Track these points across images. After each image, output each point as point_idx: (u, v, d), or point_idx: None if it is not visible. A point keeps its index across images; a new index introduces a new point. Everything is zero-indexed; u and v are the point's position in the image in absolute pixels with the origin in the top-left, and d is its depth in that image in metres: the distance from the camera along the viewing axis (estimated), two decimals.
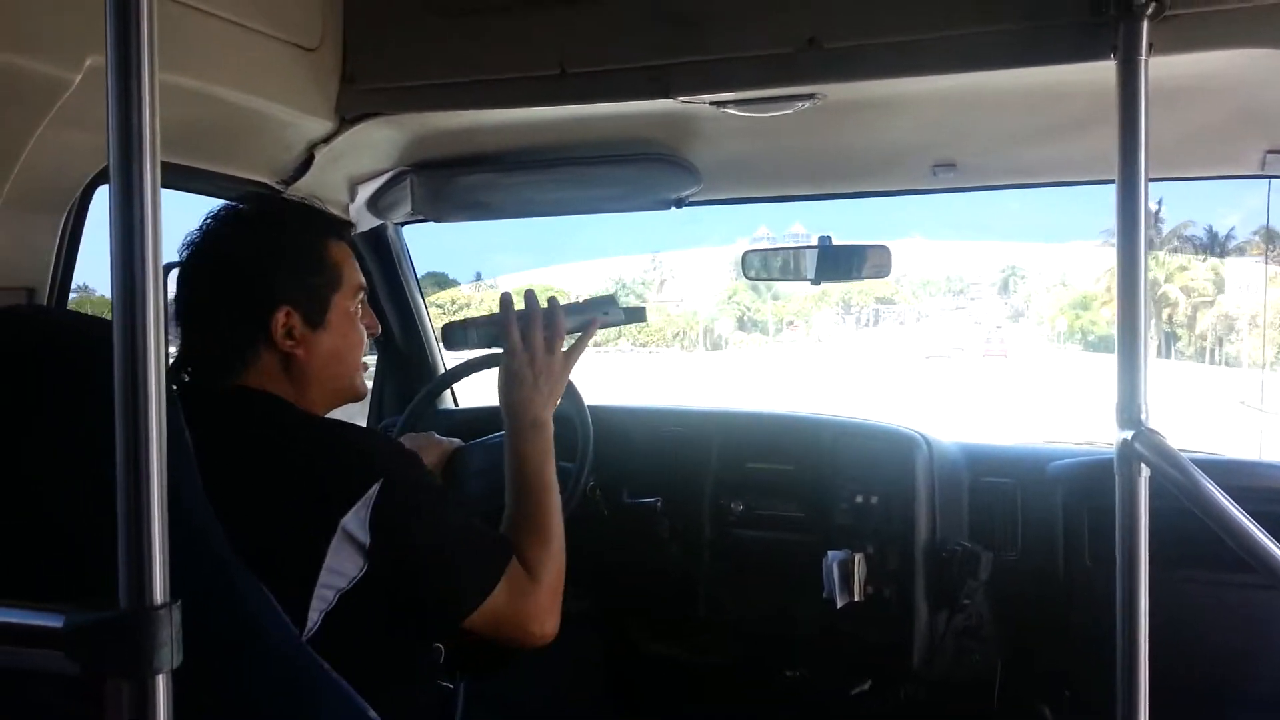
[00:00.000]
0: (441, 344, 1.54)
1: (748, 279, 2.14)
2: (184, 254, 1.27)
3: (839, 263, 2.06)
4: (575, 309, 1.48)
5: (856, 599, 1.91)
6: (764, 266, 2.15)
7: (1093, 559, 1.91)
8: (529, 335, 1.40)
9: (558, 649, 1.70)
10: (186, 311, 1.25)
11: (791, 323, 52.82)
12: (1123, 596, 1.04)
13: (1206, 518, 0.97)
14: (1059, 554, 1.94)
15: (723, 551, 2.11)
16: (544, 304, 1.44)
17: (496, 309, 1.46)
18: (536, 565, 1.29)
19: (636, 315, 1.57)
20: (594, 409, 1.86)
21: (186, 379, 1.26)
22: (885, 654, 1.95)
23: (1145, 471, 1.03)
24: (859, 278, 2.12)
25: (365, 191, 2.06)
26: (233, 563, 0.99)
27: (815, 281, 2.07)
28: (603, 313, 1.49)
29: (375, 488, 1.13)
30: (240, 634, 1.00)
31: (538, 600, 1.28)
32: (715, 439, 2.18)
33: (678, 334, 46.45)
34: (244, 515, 1.11)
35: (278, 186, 1.85)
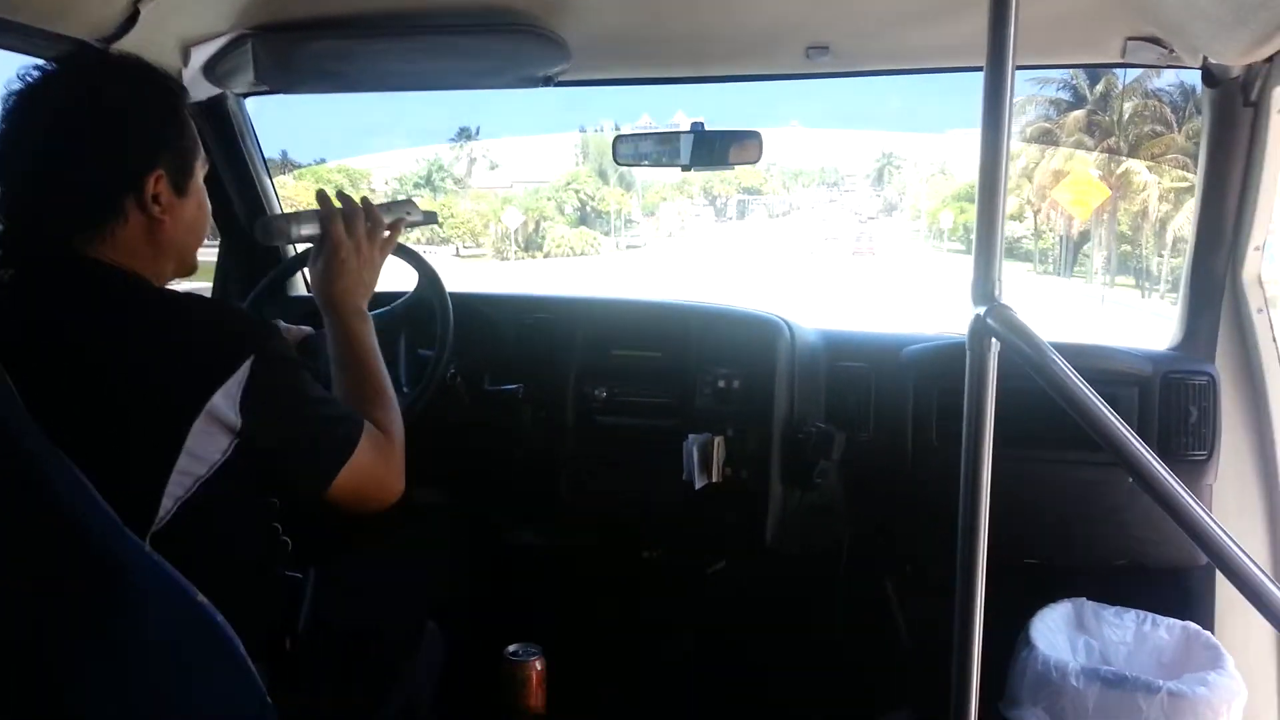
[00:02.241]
0: (260, 237, 1.56)
1: (618, 164, 2.20)
2: (13, 104, 1.20)
3: (712, 148, 2.14)
4: (384, 208, 1.60)
5: (715, 480, 2.05)
6: (635, 151, 2.21)
7: (939, 438, 2.09)
8: (353, 228, 1.51)
9: (415, 536, 1.79)
10: (32, 169, 1.19)
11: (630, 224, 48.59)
12: (966, 471, 1.10)
13: (1051, 390, 1.02)
14: (907, 434, 2.11)
15: (585, 438, 2.20)
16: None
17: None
18: (387, 424, 1.39)
19: (431, 218, 1.76)
20: (455, 296, 1.89)
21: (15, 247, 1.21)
22: (740, 533, 2.09)
23: (996, 346, 1.10)
24: (731, 164, 2.20)
25: (200, 55, 1.96)
26: (44, 454, 1.01)
27: (688, 167, 2.14)
28: (405, 213, 1.63)
29: (246, 365, 1.14)
30: (50, 527, 1.02)
31: (395, 456, 1.38)
32: (580, 326, 2.25)
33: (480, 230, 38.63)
34: (87, 401, 1.12)
35: (97, 45, 1.76)
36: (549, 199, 41.91)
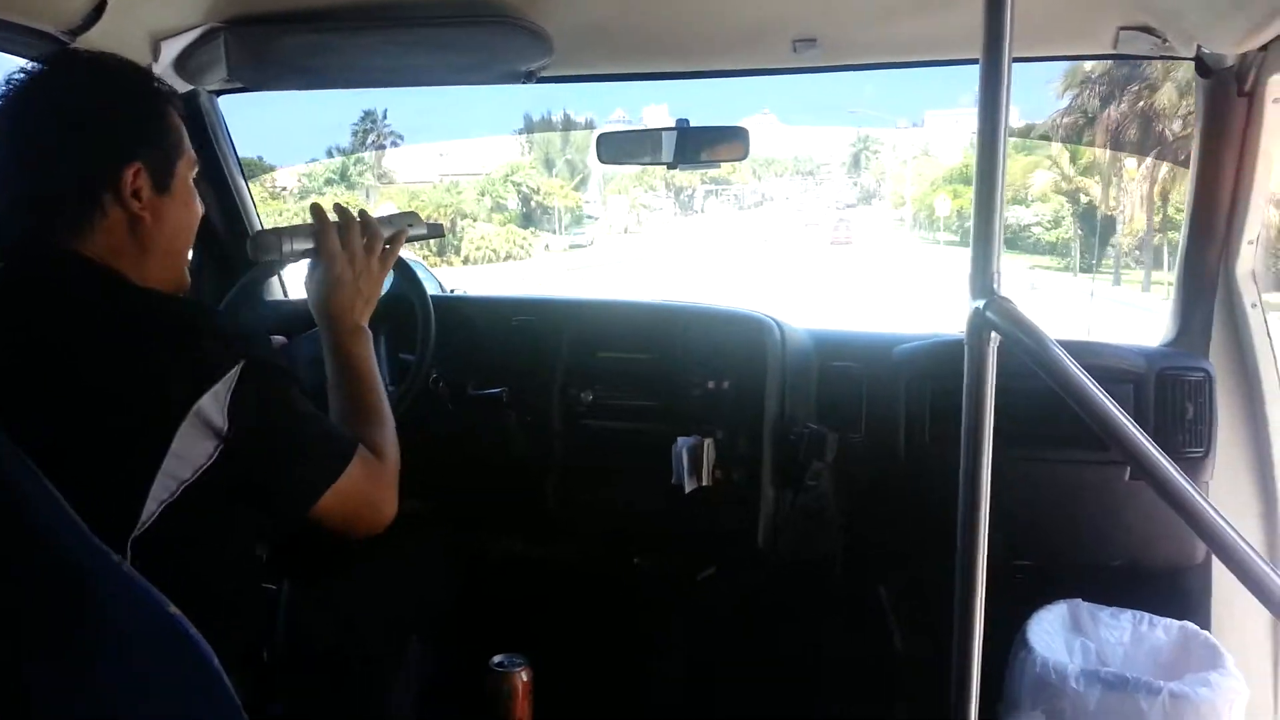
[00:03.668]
0: (251, 253, 1.57)
1: (602, 162, 2.22)
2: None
3: (697, 145, 2.17)
4: (383, 221, 1.63)
5: (705, 483, 2.06)
6: (619, 150, 2.24)
7: (932, 437, 2.11)
8: (348, 240, 1.51)
9: (395, 550, 1.77)
10: (10, 164, 1.22)
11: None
12: (965, 471, 1.10)
13: (1055, 384, 1.02)
14: (900, 434, 2.14)
15: (571, 443, 2.21)
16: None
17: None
18: (382, 446, 1.40)
19: (437, 230, 1.77)
20: (437, 299, 1.90)
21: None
22: (731, 538, 2.11)
23: (995, 340, 1.10)
24: (716, 161, 2.25)
25: (171, 50, 1.95)
26: (9, 457, 1.01)
27: (673, 165, 2.17)
28: (407, 224, 1.66)
29: (236, 369, 1.16)
30: (13, 533, 1.02)
31: (387, 478, 1.38)
32: (565, 328, 2.26)
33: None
34: (65, 400, 1.12)
35: (63, 37, 1.75)
36: (484, 193, 39.38)
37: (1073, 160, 30.49)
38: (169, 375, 1.14)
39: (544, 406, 2.21)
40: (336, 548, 1.41)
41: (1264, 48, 1.79)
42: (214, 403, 1.14)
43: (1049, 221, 30.84)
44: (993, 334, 1.11)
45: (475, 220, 37.44)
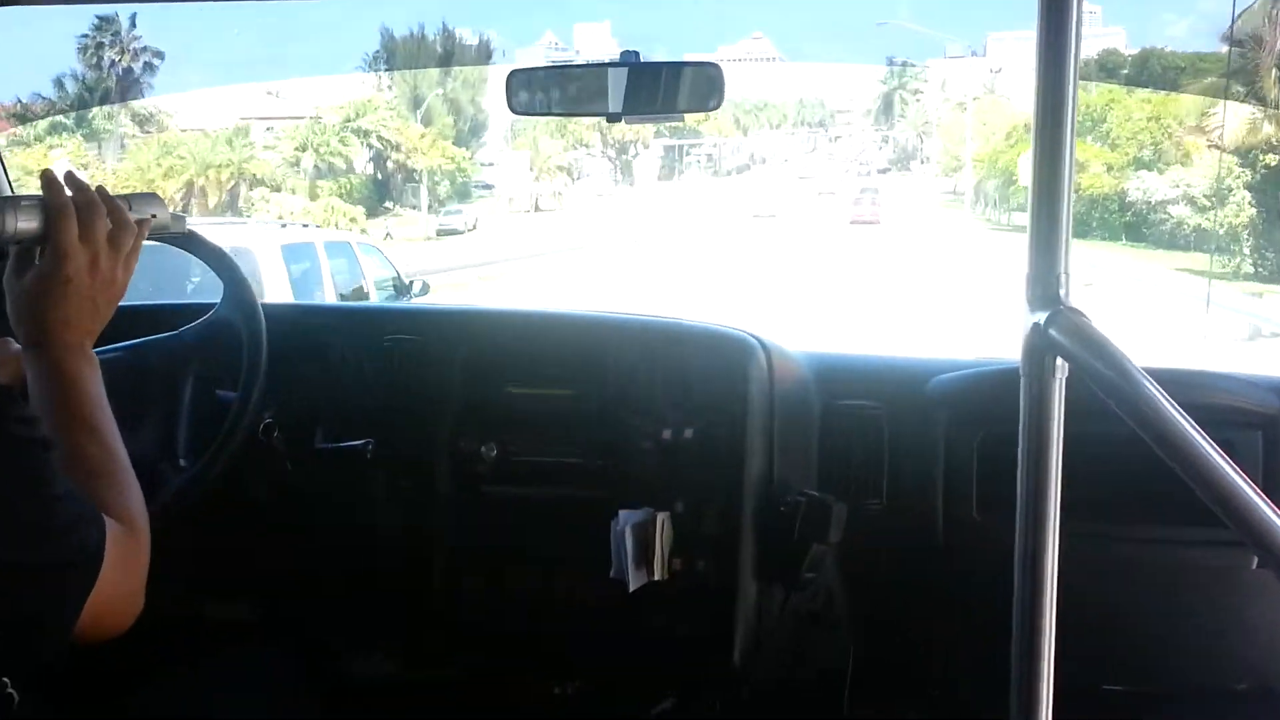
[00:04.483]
0: None
1: (514, 111, 2.27)
2: None
3: (653, 87, 2.22)
4: (123, 199, 1.64)
5: (658, 577, 2.12)
6: (542, 95, 2.28)
7: (983, 508, 2.19)
8: (90, 229, 1.53)
9: (214, 676, 1.81)
10: None
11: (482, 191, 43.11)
12: (1024, 556, 1.15)
13: (1143, 430, 1.04)
14: (938, 503, 2.22)
15: (466, 517, 2.26)
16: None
17: None
18: (129, 512, 1.42)
19: (180, 225, 1.77)
20: (273, 310, 1.95)
21: None
22: (697, 653, 2.16)
23: (1063, 369, 1.15)
24: (680, 110, 2.29)
25: None
26: None
27: (617, 116, 2.22)
28: (150, 214, 1.66)
29: None
30: None
31: (143, 557, 1.41)
32: (458, 351, 2.30)
33: None
34: None
35: None
36: (306, 148, 37.85)
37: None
38: None
39: (426, 465, 2.26)
40: (128, 665, 1.47)
41: None
42: None
43: (1205, 197, 29.04)
44: (1058, 360, 1.16)
45: (276, 188, 35.90)
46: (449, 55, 45.20)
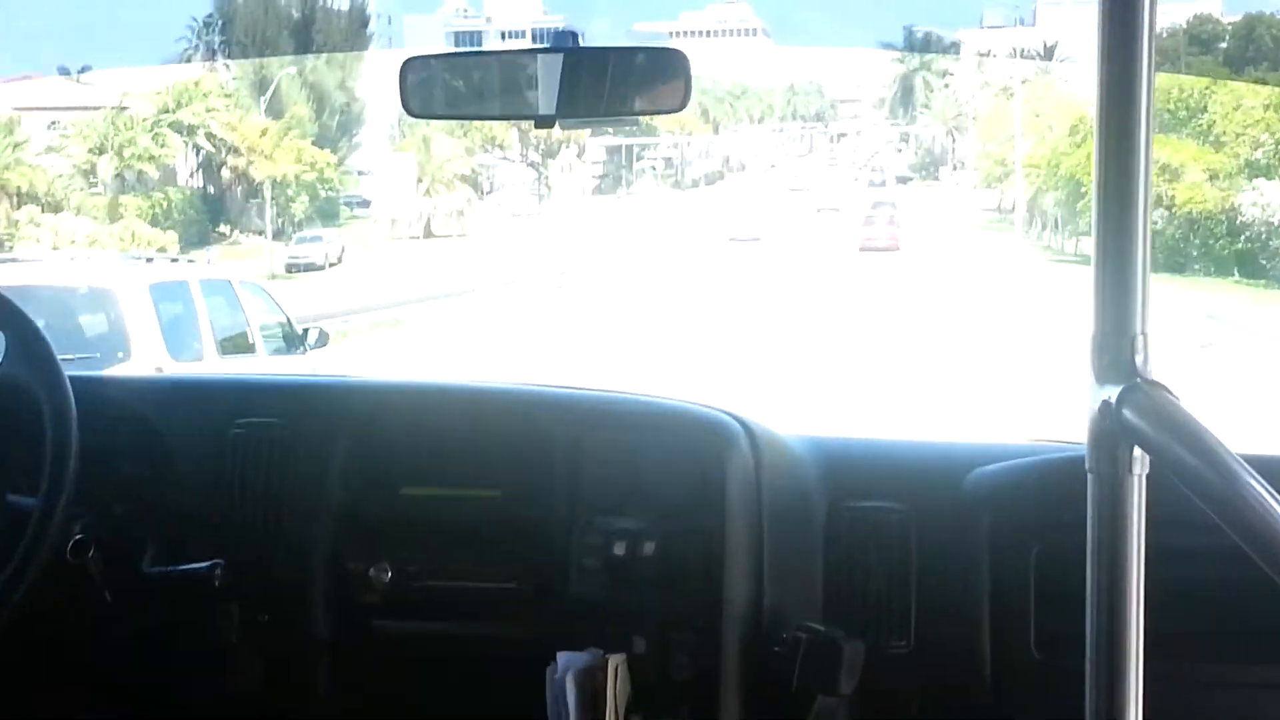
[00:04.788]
0: None
1: (413, 114, 2.26)
2: None
3: (595, 81, 2.22)
4: None
5: None
6: (448, 92, 2.31)
7: (1043, 645, 2.20)
8: None
9: None
10: None
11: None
12: (1097, 711, 1.17)
13: (1255, 550, 1.05)
14: (983, 639, 2.23)
15: (351, 665, 2.26)
16: None
17: None
18: None
19: None
20: (80, 381, 1.93)
21: None
22: None
23: (1142, 462, 1.16)
24: (633, 112, 2.33)
25: None
26: None
27: (550, 121, 2.23)
28: None
29: None
30: None
31: None
32: (338, 439, 2.31)
33: None
34: None
35: None
36: (102, 149, 36.48)
37: None
38: None
39: (297, 594, 2.26)
40: None
41: None
42: None
43: None
44: (1135, 450, 1.17)
45: (55, 208, 34.76)
46: (307, 24, 43.98)
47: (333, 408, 2.39)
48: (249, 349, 11.50)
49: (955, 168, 50.29)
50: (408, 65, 2.30)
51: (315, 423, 2.34)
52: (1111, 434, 1.17)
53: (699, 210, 46.59)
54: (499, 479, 2.30)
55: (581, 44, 2.23)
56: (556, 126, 2.31)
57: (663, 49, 2.30)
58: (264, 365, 11.00)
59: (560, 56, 2.19)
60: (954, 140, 50.56)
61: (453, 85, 2.33)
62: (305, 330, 12.29)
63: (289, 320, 12.53)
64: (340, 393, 2.45)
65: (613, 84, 2.24)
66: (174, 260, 15.98)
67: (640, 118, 3.01)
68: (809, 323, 26.16)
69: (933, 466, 2.36)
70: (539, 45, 2.27)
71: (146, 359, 9.77)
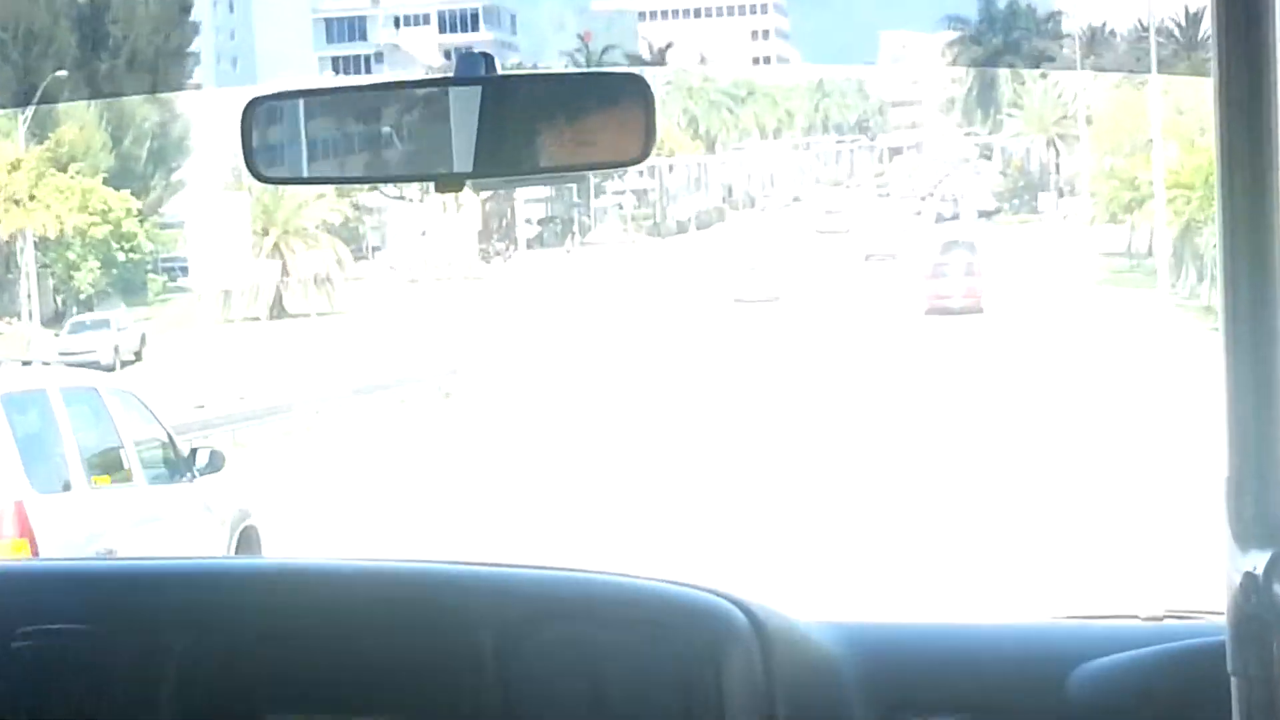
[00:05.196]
0: None
1: (259, 179, 2.29)
2: None
3: (523, 125, 2.23)
4: None
5: None
6: (311, 147, 2.32)
7: None
8: None
9: None
10: None
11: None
12: None
13: None
14: None
15: None
16: None
17: None
18: None
19: None
20: None
21: None
22: None
23: None
24: (574, 167, 2.42)
25: None
26: None
27: (460, 181, 2.29)
28: None
29: None
30: None
31: None
32: (171, 648, 2.30)
33: None
34: None
35: None
36: None
37: None
38: None
39: None
40: None
41: None
42: None
43: None
44: None
45: None
46: (98, 12, 43.35)
47: (161, 604, 2.35)
48: (122, 471, 12.06)
49: (1061, 193, 49.69)
50: (253, 110, 2.33)
51: (137, 624, 2.33)
52: (1260, 621, 1.18)
53: (686, 262, 46.94)
54: (400, 701, 2.31)
55: (500, 71, 2.23)
56: (468, 188, 2.37)
57: (617, 74, 2.39)
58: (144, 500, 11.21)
59: (477, 90, 2.20)
60: (1058, 154, 49.77)
61: (319, 134, 2.33)
62: (194, 450, 12.58)
63: (170, 437, 12.86)
64: (173, 581, 2.34)
65: (549, 126, 2.28)
66: (28, 364, 16.70)
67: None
68: (844, 424, 27.01)
69: (1024, 661, 2.37)
70: (445, 75, 2.25)
71: (2, 492, 10.21)
